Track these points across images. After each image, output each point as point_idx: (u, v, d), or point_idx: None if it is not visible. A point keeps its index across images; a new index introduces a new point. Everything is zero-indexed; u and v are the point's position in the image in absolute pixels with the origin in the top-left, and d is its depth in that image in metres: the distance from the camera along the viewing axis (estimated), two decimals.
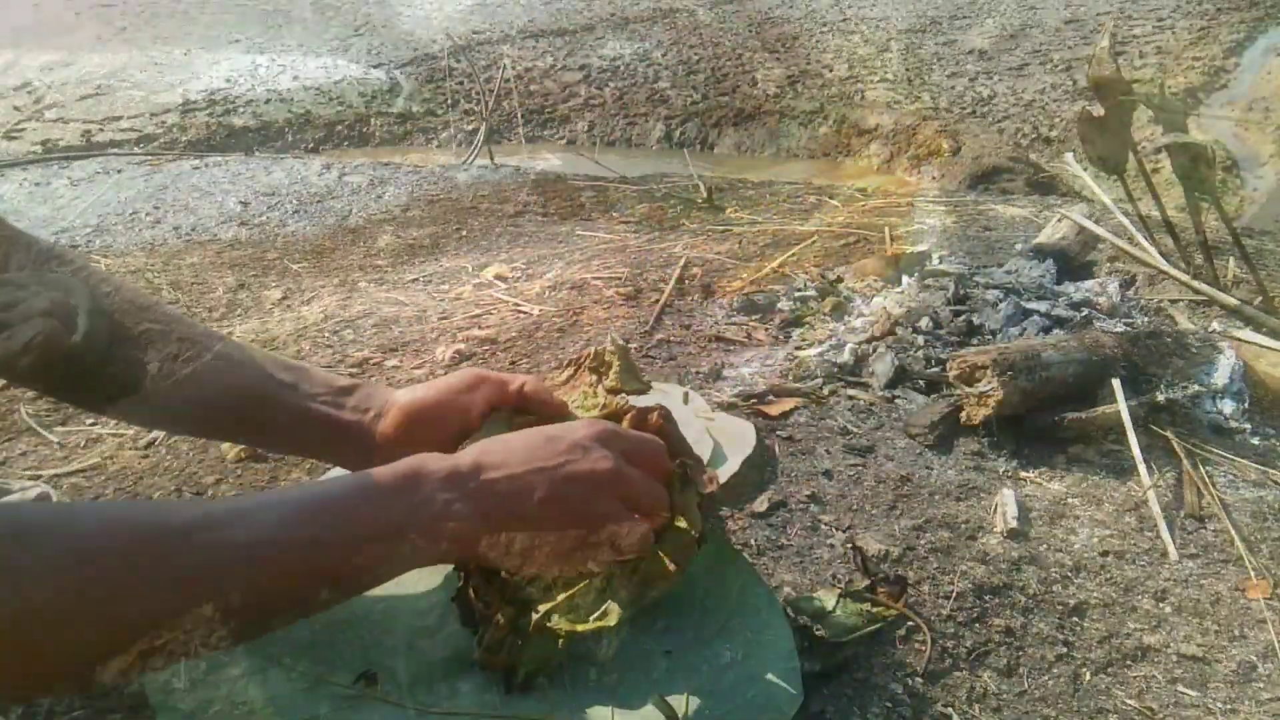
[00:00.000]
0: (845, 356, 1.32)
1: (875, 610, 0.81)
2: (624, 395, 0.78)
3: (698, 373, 1.28)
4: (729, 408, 1.18)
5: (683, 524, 0.68)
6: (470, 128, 4.51)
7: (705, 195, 2.43)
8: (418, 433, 0.73)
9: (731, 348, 1.38)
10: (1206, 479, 1.09)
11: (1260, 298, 1.52)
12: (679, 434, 0.73)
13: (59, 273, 0.66)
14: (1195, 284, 1.56)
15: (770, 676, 0.69)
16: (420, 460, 0.61)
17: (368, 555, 0.57)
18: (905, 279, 1.61)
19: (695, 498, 0.70)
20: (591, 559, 0.64)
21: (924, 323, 1.42)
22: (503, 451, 0.63)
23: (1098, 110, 1.52)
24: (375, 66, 5.54)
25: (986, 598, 0.87)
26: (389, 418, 0.73)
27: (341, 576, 0.57)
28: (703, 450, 1.03)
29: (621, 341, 0.82)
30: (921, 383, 1.28)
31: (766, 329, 1.45)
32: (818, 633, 0.76)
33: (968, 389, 1.14)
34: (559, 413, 0.77)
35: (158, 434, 1.15)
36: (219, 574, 0.51)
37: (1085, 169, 2.13)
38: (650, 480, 0.66)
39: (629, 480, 0.64)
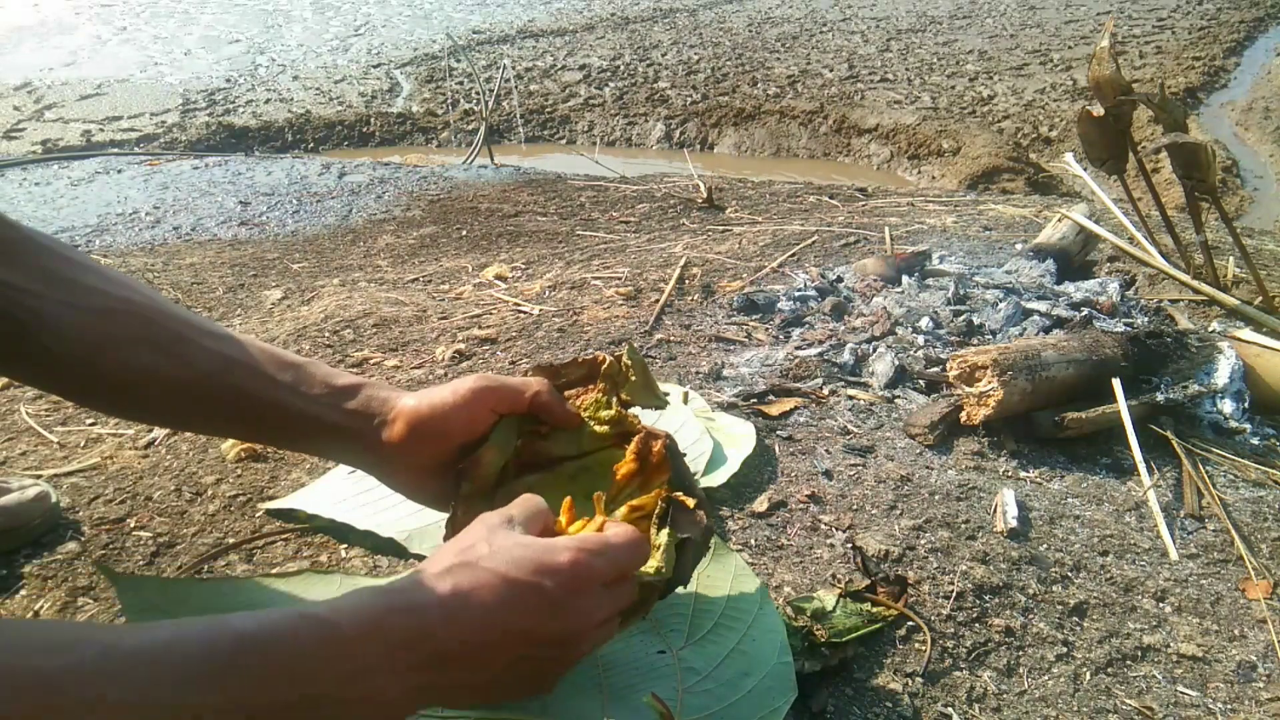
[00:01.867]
0: (845, 356, 1.32)
1: (875, 610, 0.81)
2: (637, 409, 0.77)
3: (698, 373, 1.28)
4: (729, 408, 1.18)
5: (651, 568, 0.65)
6: (470, 128, 4.51)
7: (705, 195, 2.43)
8: (422, 444, 0.71)
9: (731, 348, 1.38)
10: (1206, 479, 1.09)
11: (1260, 298, 1.52)
12: (683, 466, 0.71)
13: (60, 270, 0.65)
14: (1195, 284, 1.56)
15: (764, 673, 0.70)
16: (378, 616, 0.52)
17: None
18: (905, 279, 1.61)
19: (674, 539, 0.67)
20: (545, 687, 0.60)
21: (924, 323, 1.42)
22: (468, 600, 0.54)
23: (1098, 110, 1.52)
24: (375, 66, 5.54)
25: (986, 598, 0.87)
26: (393, 428, 0.70)
27: None
28: (702, 449, 1.03)
29: (640, 355, 0.80)
30: (921, 383, 1.28)
31: (766, 329, 1.45)
32: (817, 632, 0.76)
33: (968, 389, 1.14)
34: (570, 424, 0.75)
35: (158, 434, 1.15)
36: None
37: (1085, 169, 2.13)
38: (621, 591, 0.61)
39: (604, 626, 0.60)
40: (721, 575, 0.79)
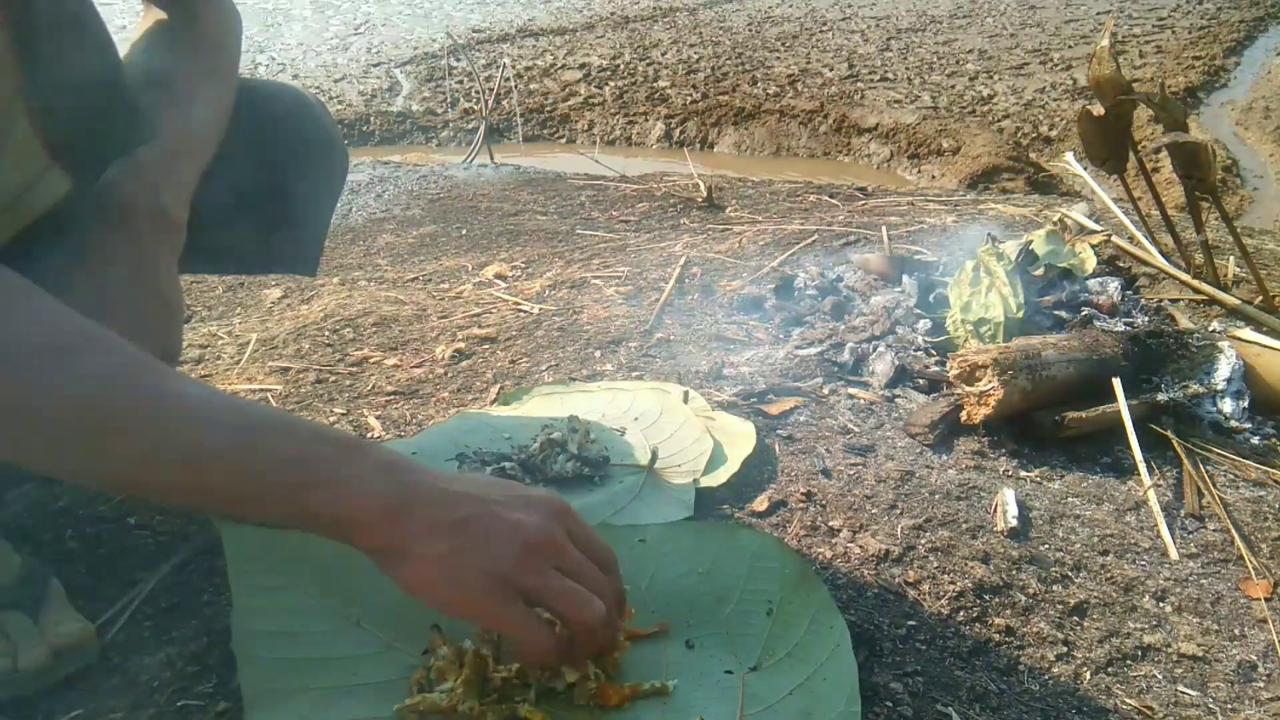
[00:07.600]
0: (845, 356, 1.32)
1: None
2: None
3: (698, 372, 1.28)
4: (729, 407, 1.18)
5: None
6: (470, 127, 4.51)
7: (705, 195, 2.43)
8: None
9: (731, 346, 1.38)
10: (1207, 478, 1.09)
11: (1260, 297, 1.52)
12: None
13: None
14: (1195, 283, 1.56)
15: (828, 718, 0.66)
16: (380, 446, 0.63)
17: (280, 481, 0.56)
18: (905, 278, 1.61)
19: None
20: (511, 620, 0.60)
21: (924, 322, 1.42)
22: (451, 479, 0.62)
23: (1098, 110, 1.52)
24: (375, 65, 5.53)
25: (986, 597, 0.87)
26: None
27: (246, 493, 0.56)
28: (702, 449, 1.03)
29: None
30: (922, 382, 1.28)
31: (766, 328, 1.45)
32: None
33: (968, 388, 1.14)
34: None
35: None
36: (155, 424, 0.53)
37: (1085, 168, 2.13)
38: (595, 568, 0.63)
39: (569, 554, 0.61)
40: (805, 604, 0.75)
